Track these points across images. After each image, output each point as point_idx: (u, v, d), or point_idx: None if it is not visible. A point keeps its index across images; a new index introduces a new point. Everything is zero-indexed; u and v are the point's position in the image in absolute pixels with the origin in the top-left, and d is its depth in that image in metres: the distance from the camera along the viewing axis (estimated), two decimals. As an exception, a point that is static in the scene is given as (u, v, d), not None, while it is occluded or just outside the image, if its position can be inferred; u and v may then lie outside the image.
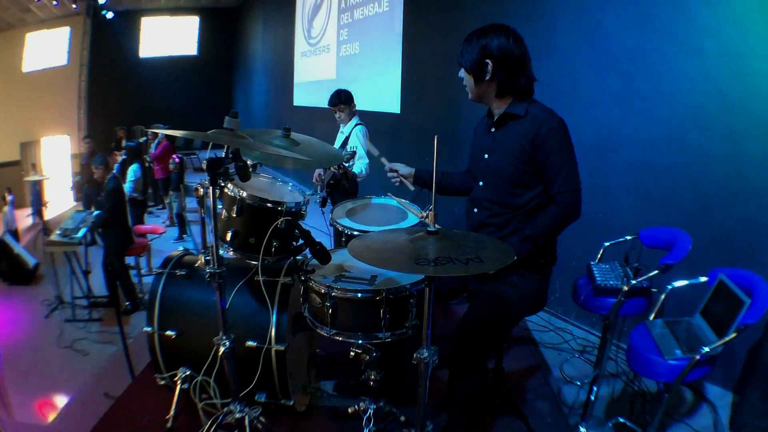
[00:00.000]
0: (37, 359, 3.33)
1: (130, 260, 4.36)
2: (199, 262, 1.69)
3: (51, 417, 2.53)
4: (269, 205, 1.70)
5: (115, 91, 11.24)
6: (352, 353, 1.70)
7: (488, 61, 1.61)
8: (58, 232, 3.95)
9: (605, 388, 2.37)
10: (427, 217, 1.34)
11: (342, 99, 3.39)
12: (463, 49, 1.66)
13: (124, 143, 8.01)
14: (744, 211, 2.31)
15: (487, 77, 1.63)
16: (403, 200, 2.20)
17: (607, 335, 2.08)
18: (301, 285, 1.74)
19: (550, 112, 1.64)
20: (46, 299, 4.25)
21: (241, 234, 1.72)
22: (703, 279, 1.87)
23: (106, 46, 10.98)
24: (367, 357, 1.71)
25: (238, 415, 1.70)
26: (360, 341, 1.62)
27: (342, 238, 2.07)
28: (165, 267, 2.06)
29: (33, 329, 3.86)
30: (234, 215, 1.69)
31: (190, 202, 6.59)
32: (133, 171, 5.56)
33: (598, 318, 2.88)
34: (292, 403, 1.95)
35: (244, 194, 1.69)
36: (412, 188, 2.04)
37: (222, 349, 1.60)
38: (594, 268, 2.04)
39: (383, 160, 2.03)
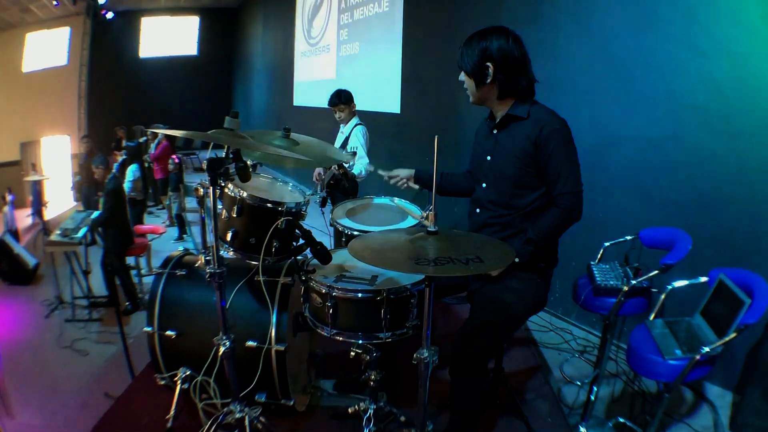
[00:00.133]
0: (37, 359, 3.33)
1: (130, 260, 4.35)
2: (199, 262, 1.69)
3: (51, 417, 2.52)
4: (269, 205, 1.70)
5: (115, 91, 11.24)
6: (352, 353, 1.70)
7: (489, 63, 1.61)
8: (58, 232, 3.95)
9: (605, 388, 2.37)
10: (427, 217, 1.34)
11: (342, 99, 3.39)
12: (463, 52, 1.66)
13: (124, 143, 8.02)
14: (744, 211, 2.31)
15: (488, 80, 1.64)
16: (402, 204, 2.21)
17: (607, 335, 2.07)
18: (302, 285, 1.74)
19: (553, 114, 1.64)
20: (46, 299, 4.24)
21: (241, 234, 1.72)
22: (703, 279, 1.87)
23: (106, 46, 10.98)
24: (368, 357, 1.70)
25: (238, 415, 1.70)
26: (360, 341, 1.62)
27: (342, 238, 2.06)
28: (165, 267, 2.06)
29: (33, 329, 3.85)
30: (234, 215, 1.69)
31: (191, 203, 6.60)
32: (132, 171, 5.57)
33: (598, 318, 2.88)
34: (292, 403, 1.95)
35: (245, 194, 1.69)
36: (416, 186, 2.05)
37: (222, 349, 1.61)
38: (594, 268, 2.04)
39: (380, 172, 2.05)
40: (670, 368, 1.58)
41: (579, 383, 2.49)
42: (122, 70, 11.61)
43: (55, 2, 8.94)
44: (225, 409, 1.74)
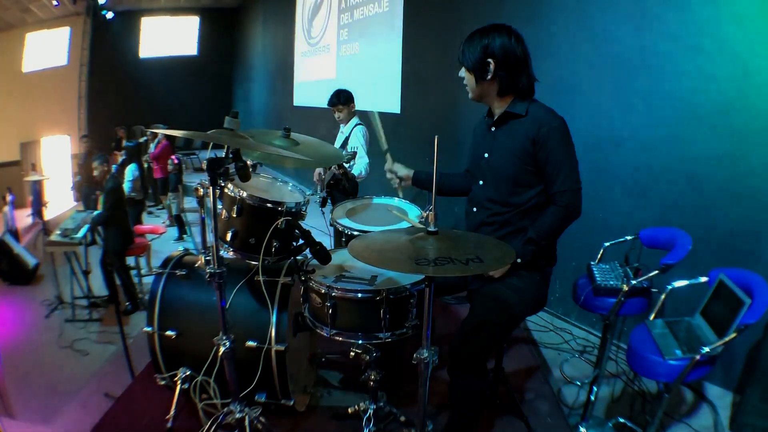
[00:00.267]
0: (37, 359, 3.33)
1: (130, 260, 4.36)
2: (199, 262, 1.69)
3: (51, 417, 2.53)
4: (269, 205, 1.70)
5: (115, 91, 11.25)
6: (352, 353, 1.71)
7: (490, 60, 1.61)
8: (58, 232, 3.95)
9: (605, 388, 2.37)
10: (427, 217, 1.34)
11: (341, 99, 3.39)
12: (465, 48, 1.66)
13: (124, 143, 8.03)
14: (744, 211, 2.31)
15: (489, 76, 1.64)
16: (402, 207, 2.21)
17: (607, 335, 2.07)
18: (302, 285, 1.73)
19: (551, 112, 1.64)
20: (46, 299, 4.25)
21: (241, 234, 1.72)
22: (703, 279, 1.87)
23: (106, 46, 10.99)
24: (367, 357, 1.71)
25: (238, 415, 1.70)
26: (360, 341, 1.62)
27: (342, 238, 2.06)
28: (165, 267, 2.06)
29: (33, 329, 3.86)
30: (234, 215, 1.69)
31: (191, 203, 6.60)
32: (131, 171, 5.59)
33: (598, 318, 2.88)
34: (292, 403, 1.95)
35: (244, 194, 1.69)
36: (400, 195, 2.04)
37: (222, 349, 1.60)
38: (594, 268, 2.04)
39: (388, 156, 2.02)
40: (670, 368, 1.58)
41: (579, 383, 2.49)
42: (122, 70, 11.62)
43: (55, 2, 8.94)
44: (225, 409, 1.74)
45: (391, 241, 1.33)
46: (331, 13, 6.62)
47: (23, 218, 7.23)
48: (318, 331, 1.66)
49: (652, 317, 1.89)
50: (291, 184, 2.10)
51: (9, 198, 6.26)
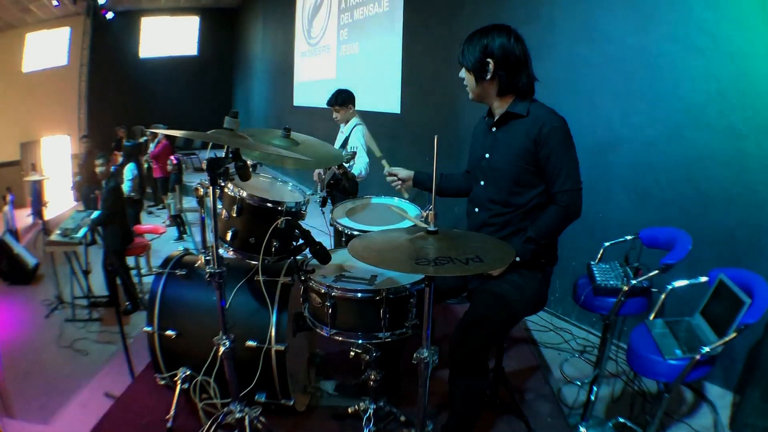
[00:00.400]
0: (37, 359, 3.33)
1: (130, 260, 4.36)
2: (199, 262, 1.69)
3: (51, 417, 2.53)
4: (269, 205, 1.70)
5: (115, 91, 11.24)
6: (352, 353, 1.71)
7: (490, 60, 1.61)
8: (58, 232, 3.95)
9: (605, 388, 2.37)
10: (427, 217, 1.34)
11: (338, 101, 3.39)
12: (465, 48, 1.66)
13: (124, 143, 8.03)
14: (744, 211, 2.31)
15: (489, 76, 1.64)
16: (401, 208, 2.21)
17: (607, 335, 2.07)
18: (301, 285, 1.73)
19: (552, 112, 1.64)
20: (46, 299, 4.25)
21: (241, 234, 1.72)
22: (703, 279, 1.87)
23: (106, 46, 10.98)
24: (367, 357, 1.71)
25: (238, 415, 1.70)
26: (360, 341, 1.62)
27: (342, 238, 2.06)
28: (165, 267, 2.06)
29: (33, 329, 3.86)
30: (234, 215, 1.69)
31: (191, 202, 6.60)
32: (129, 170, 5.60)
33: (598, 318, 2.88)
34: (292, 403, 1.95)
35: (244, 194, 1.69)
36: (406, 195, 2.05)
37: (222, 349, 1.60)
38: (594, 268, 2.04)
39: (384, 162, 2.04)
40: (670, 368, 1.58)
41: (579, 383, 2.49)
42: (122, 70, 11.61)
43: (55, 2, 8.94)
44: (225, 409, 1.74)
45: (391, 240, 1.33)
46: (331, 13, 6.62)
47: (23, 218, 7.23)
48: (318, 330, 1.66)
49: (652, 317, 1.89)
50: (291, 183, 2.10)
51: (9, 198, 6.26)
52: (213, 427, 1.73)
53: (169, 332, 1.94)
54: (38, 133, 9.99)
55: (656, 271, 1.83)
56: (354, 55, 6.04)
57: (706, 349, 1.52)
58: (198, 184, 1.59)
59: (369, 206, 2.35)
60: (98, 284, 4.18)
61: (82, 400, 2.55)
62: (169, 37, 12.58)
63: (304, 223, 1.79)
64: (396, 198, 2.34)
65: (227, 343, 1.60)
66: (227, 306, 1.65)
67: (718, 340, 1.57)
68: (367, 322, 1.58)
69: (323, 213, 2.60)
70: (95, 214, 4.09)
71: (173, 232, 6.11)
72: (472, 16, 3.93)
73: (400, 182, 2.00)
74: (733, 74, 2.31)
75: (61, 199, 8.34)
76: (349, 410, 1.93)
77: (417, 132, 4.80)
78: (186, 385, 1.94)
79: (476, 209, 1.81)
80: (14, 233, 5.86)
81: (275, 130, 1.86)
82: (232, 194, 1.70)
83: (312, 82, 7.46)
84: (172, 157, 6.38)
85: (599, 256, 2.22)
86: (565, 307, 3.25)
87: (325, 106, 3.57)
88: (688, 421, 2.20)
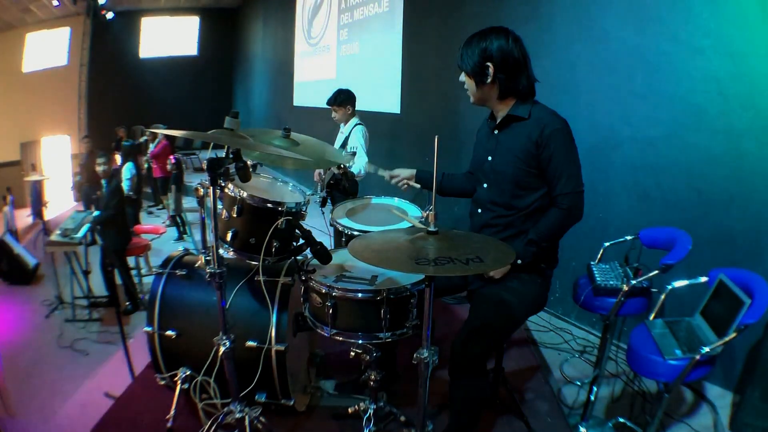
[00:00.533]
0: (37, 359, 3.33)
1: (130, 260, 4.36)
2: (200, 262, 1.69)
3: (51, 417, 2.53)
4: (269, 205, 1.70)
5: (115, 91, 11.25)
6: (352, 353, 1.70)
7: (489, 64, 1.61)
8: (58, 232, 3.95)
9: (605, 388, 2.37)
10: (427, 217, 1.34)
11: (337, 101, 3.39)
12: (463, 53, 1.66)
13: (122, 143, 8.03)
14: (744, 211, 2.31)
15: (488, 80, 1.64)
16: (401, 205, 2.21)
17: (607, 335, 2.07)
18: (302, 285, 1.74)
19: (554, 114, 1.64)
20: (46, 299, 4.24)
21: (241, 234, 1.72)
22: (703, 279, 1.87)
23: (106, 46, 10.99)
24: (368, 357, 1.70)
25: (238, 415, 1.70)
26: (360, 341, 1.62)
27: (342, 238, 2.07)
28: (165, 267, 2.06)
29: (33, 329, 3.85)
30: (234, 215, 1.69)
31: (191, 202, 6.60)
32: (128, 170, 5.60)
33: (598, 318, 2.88)
34: (292, 403, 1.95)
35: (245, 194, 1.68)
36: (418, 186, 2.04)
37: (222, 349, 1.61)
38: (594, 268, 2.04)
39: (380, 172, 2.05)
40: (670, 368, 1.58)
41: (579, 383, 2.49)
42: (122, 70, 11.61)
43: (55, 2, 8.94)
44: (225, 409, 1.74)
45: (391, 240, 1.33)
46: (331, 13, 6.62)
47: (23, 218, 7.24)
48: (318, 331, 1.66)
49: (652, 317, 1.89)
50: (291, 184, 2.10)
51: (9, 198, 6.26)
52: (213, 427, 1.73)
53: (169, 332, 1.94)
54: (38, 133, 10.00)
55: (656, 272, 1.83)
56: (354, 55, 6.04)
57: (706, 349, 1.52)
58: (198, 184, 1.59)
59: (369, 206, 2.35)
60: (98, 284, 4.17)
61: (82, 400, 2.55)
62: (169, 37, 12.58)
63: (304, 224, 1.79)
64: (396, 198, 2.35)
65: (227, 343, 1.61)
66: (227, 306, 1.65)
67: (718, 340, 1.57)
68: (367, 322, 1.58)
69: (323, 213, 2.60)
70: (96, 213, 4.09)
71: (173, 232, 6.12)
72: (471, 16, 3.93)
73: (405, 181, 2.00)
74: (733, 74, 2.31)
75: (61, 199, 8.35)
76: (349, 410, 1.93)
77: (417, 132, 4.80)
78: (186, 385, 1.94)
79: (479, 210, 1.82)
80: (14, 233, 5.87)
81: (275, 131, 1.86)
82: (233, 194, 1.70)
83: (312, 82, 7.46)
84: (171, 157, 6.38)
85: (599, 256, 2.22)
86: (565, 307, 3.25)
87: (325, 106, 3.57)
88: (688, 421, 2.20)
